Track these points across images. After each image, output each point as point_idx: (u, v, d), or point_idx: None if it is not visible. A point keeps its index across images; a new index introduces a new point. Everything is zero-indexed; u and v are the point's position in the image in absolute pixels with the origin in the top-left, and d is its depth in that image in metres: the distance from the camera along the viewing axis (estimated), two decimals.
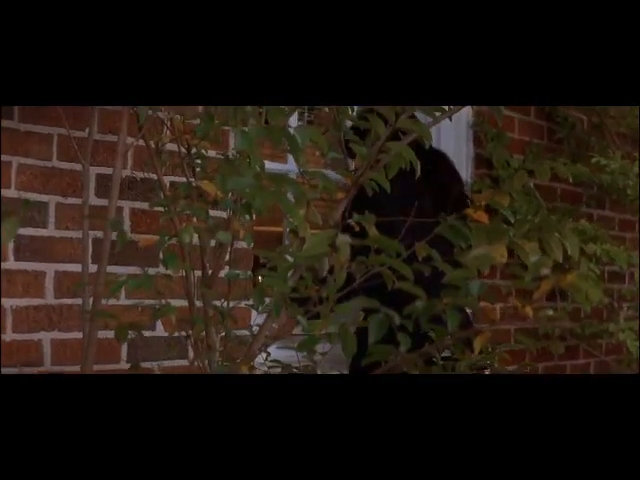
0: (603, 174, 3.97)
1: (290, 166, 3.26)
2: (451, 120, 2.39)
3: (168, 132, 2.31)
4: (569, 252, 1.79)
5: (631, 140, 4.51)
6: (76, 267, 2.54)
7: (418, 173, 2.05)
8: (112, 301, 2.37)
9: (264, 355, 2.21)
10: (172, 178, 2.67)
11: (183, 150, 2.23)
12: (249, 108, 1.84)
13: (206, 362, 2.02)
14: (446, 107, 2.11)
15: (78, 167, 2.53)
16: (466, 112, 3.87)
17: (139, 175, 2.71)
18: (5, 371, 2.39)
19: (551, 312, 1.62)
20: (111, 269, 2.30)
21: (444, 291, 1.72)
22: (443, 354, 2.07)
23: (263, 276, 1.87)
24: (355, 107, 2.82)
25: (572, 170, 3.58)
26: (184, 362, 2.75)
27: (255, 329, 2.07)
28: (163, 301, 1.95)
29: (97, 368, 2.30)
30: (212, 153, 2.34)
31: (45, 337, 2.54)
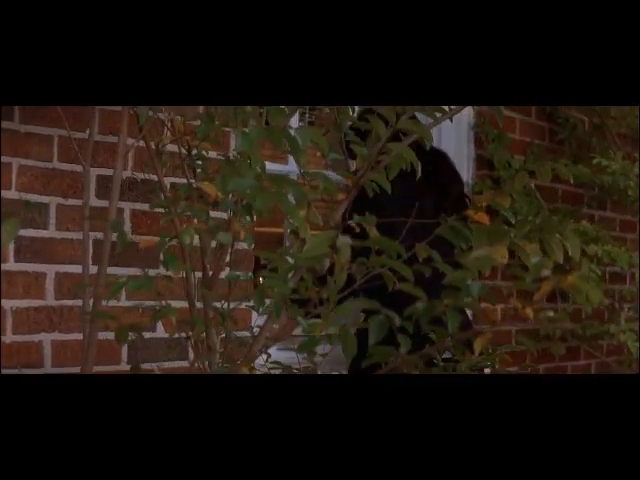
0: (604, 175, 3.97)
1: (291, 167, 3.25)
2: (452, 121, 2.39)
3: (169, 133, 2.31)
4: (570, 253, 1.79)
5: (631, 141, 4.51)
6: (77, 268, 2.54)
7: (419, 174, 2.05)
8: (112, 302, 2.37)
9: (264, 356, 2.21)
10: (173, 179, 2.67)
11: (184, 151, 2.23)
12: (249, 109, 1.84)
13: (206, 363, 2.02)
14: (447, 108, 2.11)
15: (79, 168, 2.52)
16: (467, 113, 3.87)
17: (140, 176, 2.71)
18: (5, 372, 2.39)
19: (552, 313, 1.62)
20: (111, 270, 2.30)
21: (445, 292, 1.72)
22: (444, 355, 2.07)
23: (264, 277, 1.87)
24: (356, 108, 2.82)
25: (573, 171, 3.58)
26: (184, 363, 2.75)
27: (256, 330, 2.07)
28: (163, 302, 1.95)
29: (97, 369, 2.30)
30: (213, 154, 2.34)
31: (45, 338, 2.54)
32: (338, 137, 2.15)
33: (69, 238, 2.58)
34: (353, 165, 2.21)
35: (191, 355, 2.36)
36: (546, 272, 1.54)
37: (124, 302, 2.60)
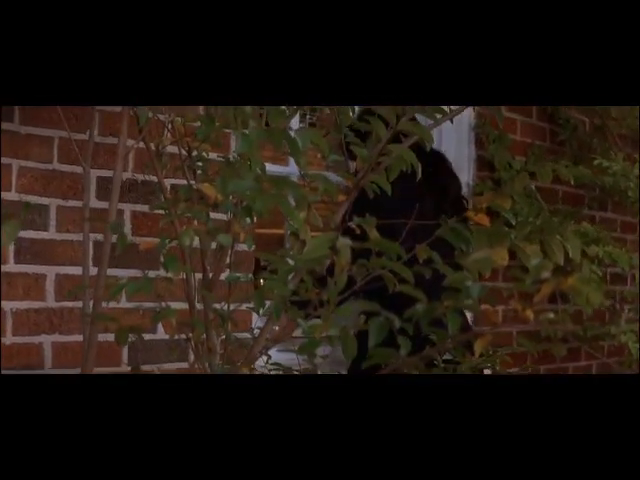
0: (605, 176, 3.96)
1: (291, 169, 3.25)
2: (452, 122, 2.39)
3: (169, 135, 2.31)
4: (570, 255, 1.79)
5: (632, 142, 4.50)
6: (77, 270, 2.54)
7: (419, 175, 2.05)
8: (113, 304, 2.36)
9: (265, 358, 2.21)
10: (173, 181, 2.67)
11: (184, 153, 2.23)
12: (249, 110, 1.84)
13: (207, 365, 2.01)
14: (447, 109, 2.11)
15: (79, 170, 2.52)
16: (468, 114, 3.87)
17: (140, 178, 2.71)
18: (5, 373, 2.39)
19: (552, 315, 1.61)
20: (112, 272, 2.30)
21: (445, 294, 1.72)
22: (444, 357, 2.07)
23: (264, 279, 1.86)
24: (356, 109, 2.82)
25: (574, 172, 3.58)
26: (185, 365, 2.74)
27: (256, 332, 2.07)
28: (163, 304, 1.95)
29: (98, 371, 2.30)
30: (213, 156, 2.34)
31: (46, 340, 2.54)
32: (338, 138, 2.15)
33: (69, 239, 2.58)
34: (353, 166, 2.21)
35: (191, 357, 2.36)
36: (546, 274, 1.54)
37: (124, 304, 2.60)
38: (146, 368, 2.67)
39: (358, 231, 1.86)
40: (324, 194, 1.95)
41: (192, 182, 2.17)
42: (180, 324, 1.95)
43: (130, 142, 2.24)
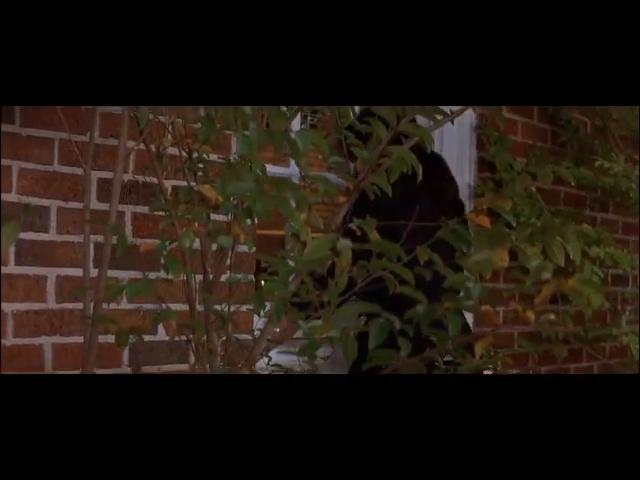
0: (606, 177, 3.96)
1: (292, 170, 3.25)
2: (453, 123, 2.38)
3: (169, 136, 2.31)
4: (571, 256, 1.79)
5: (633, 143, 4.50)
6: (77, 271, 2.53)
7: (420, 177, 2.04)
8: (113, 305, 2.36)
9: (265, 359, 2.20)
10: (173, 182, 2.67)
11: (184, 154, 2.22)
12: (250, 111, 1.84)
13: (207, 366, 2.01)
14: (448, 110, 2.11)
15: (79, 171, 2.52)
16: (469, 115, 3.87)
17: (140, 179, 2.71)
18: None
19: (553, 316, 1.61)
20: (112, 273, 2.30)
21: (445, 295, 1.72)
22: (445, 358, 2.06)
23: (265, 280, 1.86)
24: (356, 110, 2.82)
25: (575, 173, 3.58)
26: (185, 366, 2.74)
27: (257, 333, 2.07)
28: (164, 305, 1.95)
29: (98, 373, 2.30)
30: (214, 157, 2.34)
31: (46, 342, 2.54)
32: (339, 139, 2.15)
33: (70, 241, 2.58)
34: (353, 167, 2.20)
35: (192, 358, 2.36)
36: (547, 275, 1.54)
37: (125, 305, 2.60)
38: (147, 369, 2.67)
39: (359, 232, 1.86)
40: (325, 195, 1.95)
41: (193, 184, 2.17)
42: (181, 326, 1.95)
43: (131, 144, 2.24)
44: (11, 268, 2.47)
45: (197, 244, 2.02)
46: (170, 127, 2.27)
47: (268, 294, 1.86)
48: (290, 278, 1.86)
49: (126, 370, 2.68)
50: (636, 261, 3.90)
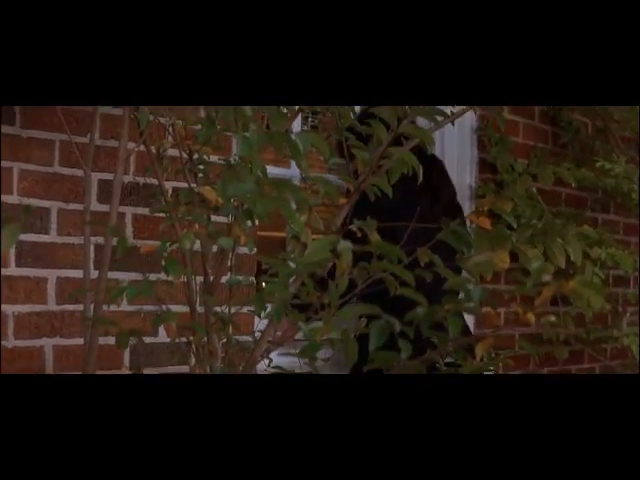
0: (607, 178, 3.96)
1: (293, 171, 3.25)
2: (454, 125, 2.39)
3: (170, 138, 2.31)
4: (572, 257, 1.79)
5: (634, 144, 4.50)
6: (78, 273, 2.53)
7: (420, 179, 2.04)
8: (113, 307, 2.36)
9: (266, 361, 2.20)
10: (174, 184, 2.67)
11: (185, 156, 2.22)
12: (250, 113, 1.84)
13: (208, 368, 2.01)
14: (449, 111, 2.10)
15: (80, 173, 2.52)
16: (470, 117, 3.87)
17: (141, 181, 2.71)
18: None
19: (554, 317, 1.61)
20: (113, 275, 2.29)
21: (445, 297, 1.72)
22: (446, 360, 2.06)
23: (265, 282, 1.86)
24: (357, 111, 2.82)
25: (576, 174, 3.58)
26: (186, 368, 2.74)
27: (258, 335, 2.06)
28: (164, 307, 1.95)
29: (99, 374, 2.29)
30: (214, 158, 2.34)
31: (47, 343, 2.54)
32: (340, 141, 2.15)
33: (70, 243, 2.58)
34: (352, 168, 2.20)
35: (192, 360, 2.36)
36: (547, 277, 1.54)
37: (125, 307, 2.59)
38: (147, 371, 2.67)
39: (359, 234, 1.85)
40: (325, 197, 1.95)
41: (193, 185, 2.17)
42: (181, 327, 1.95)
43: (131, 145, 2.24)
44: (12, 270, 2.47)
45: (197, 246, 2.02)
46: (170, 128, 2.27)
47: (269, 296, 1.86)
48: (291, 280, 1.86)
49: (127, 372, 2.67)
50: (637, 262, 3.89)
